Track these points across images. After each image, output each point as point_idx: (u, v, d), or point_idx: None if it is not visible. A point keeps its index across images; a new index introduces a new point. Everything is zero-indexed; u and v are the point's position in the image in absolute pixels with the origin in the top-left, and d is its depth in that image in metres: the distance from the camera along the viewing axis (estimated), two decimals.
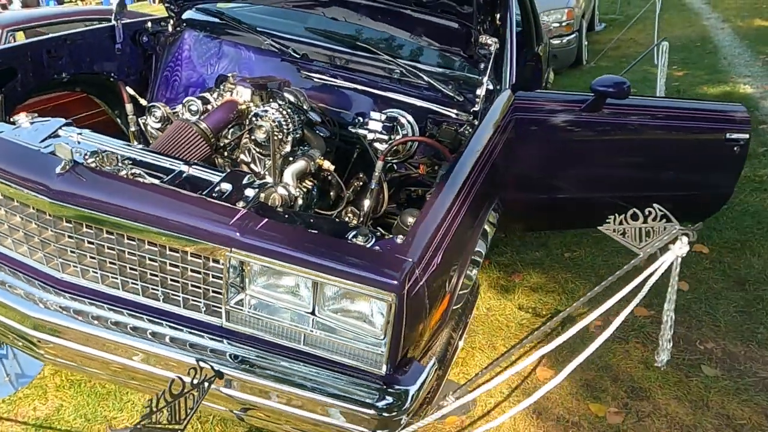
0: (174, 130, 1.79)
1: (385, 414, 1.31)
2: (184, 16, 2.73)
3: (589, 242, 3.23)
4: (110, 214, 1.34)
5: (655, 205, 1.75)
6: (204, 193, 1.41)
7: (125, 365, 1.41)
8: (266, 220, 1.31)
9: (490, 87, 2.18)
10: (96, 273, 1.43)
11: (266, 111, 1.85)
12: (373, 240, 1.36)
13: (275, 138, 1.83)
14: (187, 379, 1.25)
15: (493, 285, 2.93)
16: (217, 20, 2.65)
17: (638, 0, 11.07)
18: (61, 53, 2.21)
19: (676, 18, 9.99)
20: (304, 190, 1.81)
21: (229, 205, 1.35)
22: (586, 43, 7.47)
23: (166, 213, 1.32)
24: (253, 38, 2.54)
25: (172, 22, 2.69)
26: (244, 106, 1.94)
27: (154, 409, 1.16)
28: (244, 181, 1.48)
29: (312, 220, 1.43)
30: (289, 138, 1.86)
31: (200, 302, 1.39)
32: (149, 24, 2.63)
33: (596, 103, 2.48)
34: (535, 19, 3.56)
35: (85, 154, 1.47)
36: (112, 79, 2.48)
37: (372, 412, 1.30)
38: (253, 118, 1.87)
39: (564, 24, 6.60)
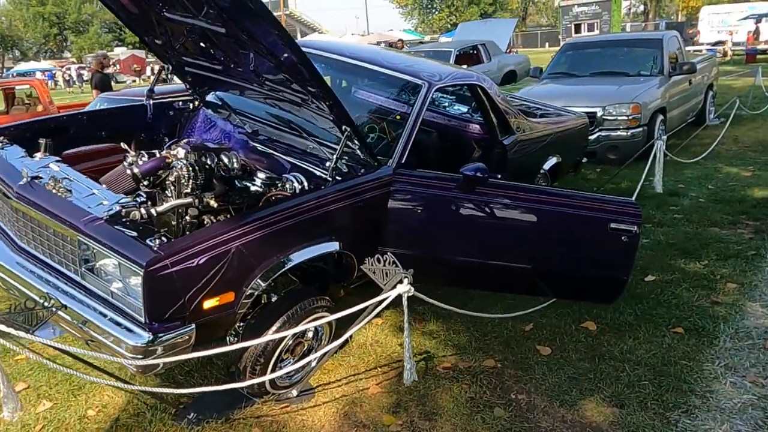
0: (117, 169, 2.88)
1: (138, 344, 2.15)
2: (208, 97, 3.94)
3: None
4: (37, 210, 2.43)
5: (388, 252, 2.35)
6: (91, 206, 2.44)
7: (24, 289, 2.46)
8: (102, 221, 2.29)
9: (357, 159, 2.98)
10: (30, 241, 2.53)
11: (177, 164, 2.86)
12: (164, 241, 2.25)
13: (181, 181, 2.82)
14: (44, 302, 2.24)
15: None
16: (219, 103, 3.82)
17: None
18: (103, 120, 3.51)
19: None
20: (189, 215, 2.72)
21: (89, 211, 2.35)
22: (664, 136, 7.51)
23: (59, 212, 2.37)
24: (232, 117, 3.63)
25: (196, 103, 3.91)
26: (170, 159, 2.97)
27: (12, 312, 2.16)
28: (120, 201, 2.49)
29: (140, 227, 2.36)
30: (190, 183, 2.83)
31: (70, 264, 2.39)
32: (176, 103, 3.87)
33: (465, 184, 3.10)
34: (498, 116, 4.18)
35: (50, 177, 2.60)
36: (142, 137, 3.72)
37: (131, 342, 2.16)
38: (172, 168, 2.89)
39: (630, 118, 6.85)
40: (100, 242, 2.22)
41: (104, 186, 2.74)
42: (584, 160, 6.03)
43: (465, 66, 11.30)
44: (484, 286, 3.54)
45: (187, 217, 2.75)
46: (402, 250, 3.12)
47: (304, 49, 4.06)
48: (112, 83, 10.10)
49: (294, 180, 3.00)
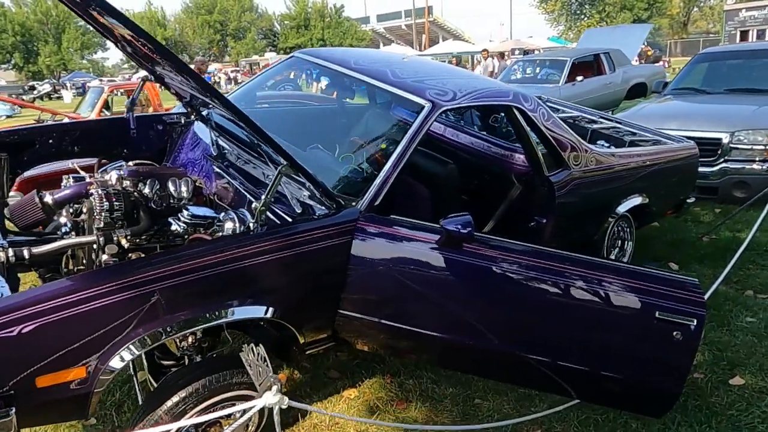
0: (26, 197, 2.51)
1: None
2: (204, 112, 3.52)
3: None
4: None
5: (261, 345, 1.68)
6: None
7: None
8: None
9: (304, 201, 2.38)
10: None
11: (92, 194, 2.42)
12: None
13: (93, 214, 2.38)
14: None
15: None
16: (208, 119, 3.38)
17: None
18: (75, 134, 3.21)
19: None
20: (107, 253, 2.25)
21: None
22: None
23: None
24: (213, 136, 3.17)
25: (192, 117, 3.52)
26: (92, 187, 2.54)
27: None
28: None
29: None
30: (103, 215, 2.37)
31: None
32: (164, 118, 3.50)
33: (446, 240, 2.36)
34: (547, 145, 3.30)
35: None
36: (125, 153, 3.39)
37: None
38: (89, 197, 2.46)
39: (766, 147, 5.43)
40: None
41: (9, 216, 2.39)
42: (691, 199, 4.80)
43: (581, 78, 10.06)
44: (478, 373, 2.73)
45: (105, 257, 2.31)
46: (368, 316, 2.47)
47: (309, 58, 3.58)
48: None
49: (235, 219, 2.44)
